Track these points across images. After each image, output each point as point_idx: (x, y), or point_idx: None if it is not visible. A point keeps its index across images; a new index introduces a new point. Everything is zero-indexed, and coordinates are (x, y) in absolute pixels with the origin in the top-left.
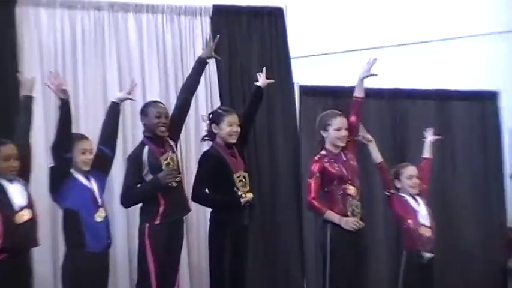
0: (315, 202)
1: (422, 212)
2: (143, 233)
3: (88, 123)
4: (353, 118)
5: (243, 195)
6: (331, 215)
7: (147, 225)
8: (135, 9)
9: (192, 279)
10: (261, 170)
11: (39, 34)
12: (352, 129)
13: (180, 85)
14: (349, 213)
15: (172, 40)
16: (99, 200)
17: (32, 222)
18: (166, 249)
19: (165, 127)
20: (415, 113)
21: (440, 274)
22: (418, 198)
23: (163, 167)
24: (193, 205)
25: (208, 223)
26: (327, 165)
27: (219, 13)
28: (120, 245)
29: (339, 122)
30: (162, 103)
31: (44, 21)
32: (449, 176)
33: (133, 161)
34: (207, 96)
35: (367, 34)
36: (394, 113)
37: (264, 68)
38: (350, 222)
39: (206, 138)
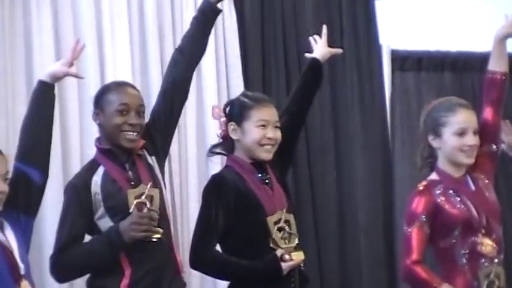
0: (418, 269)
1: None
2: None
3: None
4: (488, 112)
5: (286, 257)
6: None
7: None
8: None
9: None
10: (320, 205)
11: None
12: (487, 132)
13: (169, 57)
14: (484, 287)
15: None
16: (22, 266)
17: None
18: None
19: (136, 132)
20: None
21: None
22: None
23: (132, 208)
24: (196, 275)
25: None
26: (440, 200)
27: None
28: None
29: (462, 119)
30: (132, 86)
31: None
32: None
33: (75, 195)
34: (219, 74)
35: None
36: None
37: (324, 27)
38: None
39: (217, 151)
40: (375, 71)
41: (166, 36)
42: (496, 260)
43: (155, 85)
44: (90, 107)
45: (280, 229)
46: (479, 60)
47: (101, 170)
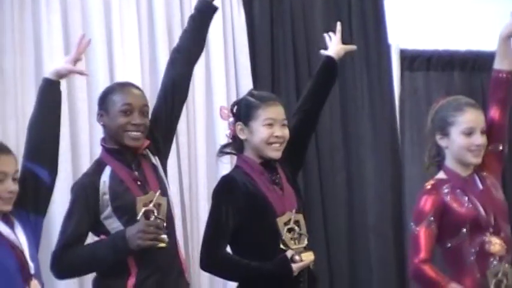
0: (426, 268)
1: None
2: None
3: (6, 118)
4: (495, 111)
5: (296, 257)
6: None
7: None
8: None
9: None
10: (330, 205)
11: None
12: (493, 131)
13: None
14: (492, 286)
15: None
16: (32, 265)
17: None
18: None
19: (140, 132)
20: None
21: None
22: None
23: (140, 215)
24: (204, 276)
25: None
26: (448, 199)
27: None
28: None
29: (470, 118)
30: (136, 86)
31: None
32: None
33: (83, 194)
34: (228, 74)
35: None
36: None
37: (339, 24)
38: None
39: (227, 150)
40: (384, 70)
41: (175, 35)
42: (505, 259)
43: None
44: None
45: (290, 230)
46: (488, 60)
47: (108, 170)
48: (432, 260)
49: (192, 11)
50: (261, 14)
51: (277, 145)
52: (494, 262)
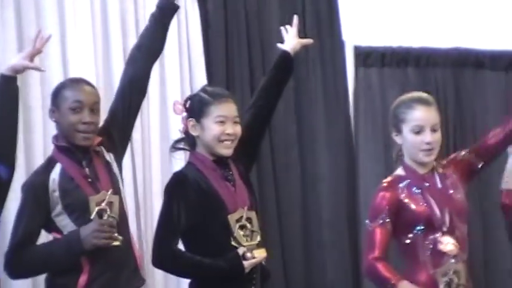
0: (379, 266)
1: None
2: None
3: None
4: (501, 139)
5: (247, 255)
6: None
7: None
8: None
9: None
10: (284, 202)
11: None
12: (487, 151)
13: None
14: (441, 285)
15: None
16: None
17: None
18: None
19: (90, 131)
20: None
21: None
22: None
23: (93, 215)
24: (159, 272)
25: None
26: (404, 196)
27: None
28: None
29: (418, 116)
30: (88, 83)
31: None
32: None
33: (32, 193)
34: (183, 70)
35: None
36: None
37: (295, 17)
38: None
39: (180, 146)
40: (339, 67)
41: (129, 31)
42: (460, 258)
43: (116, 82)
44: None
45: (242, 227)
46: (441, 56)
47: (58, 168)
48: (386, 257)
49: (153, 9)
50: (215, 9)
51: (229, 142)
52: (452, 260)
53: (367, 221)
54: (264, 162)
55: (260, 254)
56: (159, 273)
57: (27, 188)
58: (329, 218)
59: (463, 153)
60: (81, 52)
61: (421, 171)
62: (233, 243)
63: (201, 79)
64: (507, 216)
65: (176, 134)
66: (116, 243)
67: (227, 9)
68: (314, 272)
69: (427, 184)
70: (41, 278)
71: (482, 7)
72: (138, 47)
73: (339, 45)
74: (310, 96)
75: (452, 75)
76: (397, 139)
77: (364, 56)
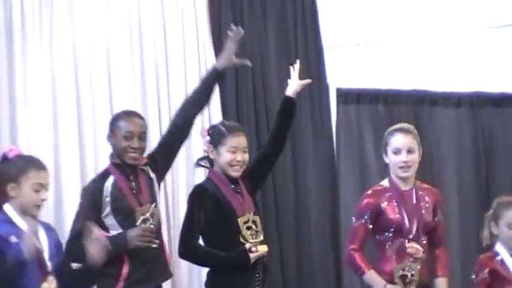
0: (355, 255)
1: None
2: None
3: (29, 136)
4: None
5: (253, 249)
6: (372, 278)
7: None
8: None
9: None
10: (281, 208)
11: None
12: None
13: (163, 87)
14: (396, 279)
15: (152, 19)
16: (49, 264)
17: None
18: None
19: (138, 154)
20: (509, 126)
21: None
22: None
23: (139, 222)
24: (185, 266)
25: None
26: (384, 205)
27: None
28: None
29: (397, 141)
30: (138, 115)
31: None
32: None
33: (89, 196)
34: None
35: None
36: (476, 126)
37: (298, 62)
38: None
39: (203, 164)
40: (324, 104)
41: (160, 67)
42: (416, 258)
43: (150, 108)
44: None
45: (248, 228)
46: (404, 96)
47: (111, 179)
48: (363, 249)
49: (205, 74)
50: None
51: (238, 167)
52: (410, 259)
53: (353, 218)
54: (267, 181)
55: (263, 248)
56: (184, 268)
57: (86, 192)
58: (316, 220)
59: (439, 217)
60: (117, 83)
61: (403, 187)
62: (241, 240)
63: (216, 114)
64: None
65: (196, 154)
66: (154, 245)
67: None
68: (304, 266)
69: (405, 199)
70: None
71: (437, 55)
72: (186, 100)
73: (324, 87)
74: (301, 129)
75: (412, 111)
76: (386, 159)
77: (344, 95)
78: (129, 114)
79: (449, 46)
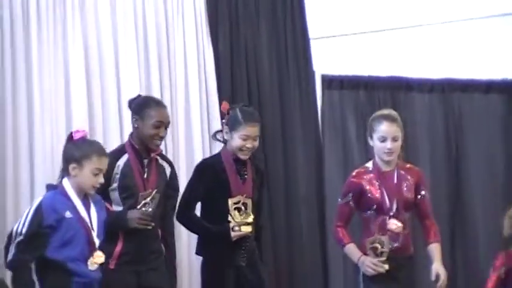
0: (339, 230)
1: None
2: None
3: (44, 126)
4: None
5: (235, 228)
6: (351, 250)
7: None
8: None
9: None
10: (272, 184)
11: None
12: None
13: (166, 76)
14: (368, 251)
15: (156, 18)
16: (97, 241)
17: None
18: None
19: (161, 140)
20: (476, 109)
21: None
22: None
23: (140, 205)
24: (186, 243)
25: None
26: (366, 185)
27: None
28: None
29: (383, 129)
30: (165, 106)
31: None
32: None
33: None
34: (201, 88)
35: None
36: (447, 109)
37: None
38: (365, 265)
39: (218, 138)
40: (310, 90)
41: (163, 63)
42: (397, 233)
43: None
44: None
45: (238, 209)
46: (383, 82)
47: (125, 157)
48: (347, 225)
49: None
50: (224, 48)
51: (246, 151)
52: (385, 234)
53: (339, 198)
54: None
55: (246, 229)
56: (185, 245)
57: None
58: (304, 195)
59: (422, 193)
60: (125, 76)
61: (384, 168)
62: (229, 218)
63: (213, 98)
64: None
65: (197, 135)
66: (149, 227)
67: (232, 49)
68: (293, 234)
69: (386, 179)
70: None
71: (412, 46)
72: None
73: (311, 74)
74: (290, 111)
75: (390, 96)
76: (371, 143)
77: (328, 81)
78: (159, 105)
79: (423, 37)
